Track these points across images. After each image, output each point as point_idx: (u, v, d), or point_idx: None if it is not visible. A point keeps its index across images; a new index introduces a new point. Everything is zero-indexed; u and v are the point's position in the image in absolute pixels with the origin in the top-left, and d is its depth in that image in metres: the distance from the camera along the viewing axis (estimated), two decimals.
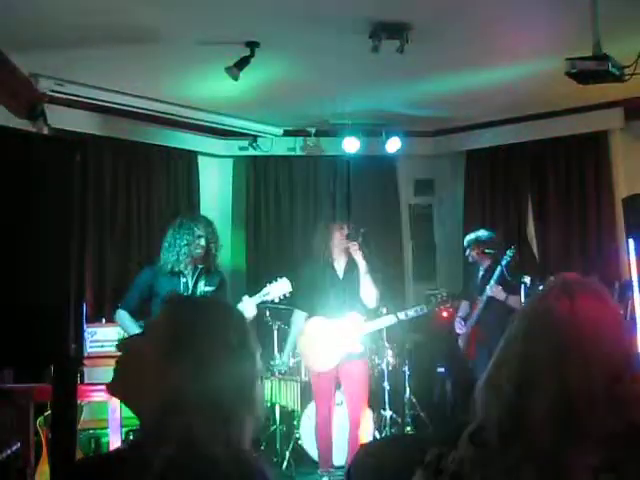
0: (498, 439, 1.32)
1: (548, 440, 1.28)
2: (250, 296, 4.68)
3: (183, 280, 4.67)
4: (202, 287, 4.69)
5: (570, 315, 1.35)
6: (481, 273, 5.86)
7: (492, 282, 5.63)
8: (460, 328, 5.92)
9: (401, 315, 5.04)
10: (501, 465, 1.30)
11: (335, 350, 5.00)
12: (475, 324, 5.77)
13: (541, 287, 1.50)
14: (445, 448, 1.41)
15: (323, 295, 5.06)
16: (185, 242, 4.63)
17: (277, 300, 4.82)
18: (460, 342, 5.93)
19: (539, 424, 1.29)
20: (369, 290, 4.96)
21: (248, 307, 4.53)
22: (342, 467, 5.17)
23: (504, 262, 5.57)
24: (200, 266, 4.70)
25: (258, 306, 4.72)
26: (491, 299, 5.64)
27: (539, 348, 1.34)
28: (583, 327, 1.34)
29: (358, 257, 4.96)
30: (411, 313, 5.06)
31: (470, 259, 5.96)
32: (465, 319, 5.92)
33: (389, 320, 5.10)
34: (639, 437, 1.28)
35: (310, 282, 5.12)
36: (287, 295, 4.73)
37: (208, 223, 4.79)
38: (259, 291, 4.72)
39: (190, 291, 4.67)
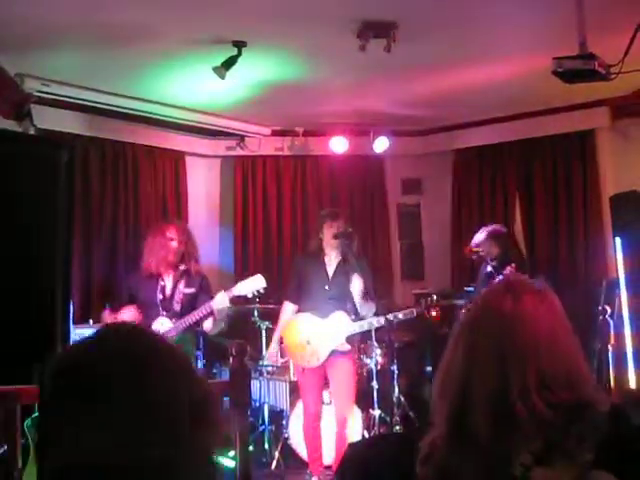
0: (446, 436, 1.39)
1: (487, 433, 1.32)
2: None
3: (161, 283, 4.77)
4: (181, 288, 4.78)
5: (512, 312, 1.40)
6: (489, 269, 5.86)
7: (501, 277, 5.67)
8: None
9: (390, 317, 5.04)
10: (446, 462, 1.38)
11: (320, 348, 5.00)
12: None
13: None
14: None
15: (311, 291, 5.06)
16: (159, 246, 4.75)
17: (250, 296, 4.88)
18: None
19: (480, 417, 1.34)
20: (364, 306, 5.00)
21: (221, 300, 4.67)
22: (331, 466, 5.16)
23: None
24: (181, 268, 4.82)
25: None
26: None
27: (482, 342, 1.39)
28: (524, 324, 1.39)
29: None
30: (400, 316, 5.07)
31: (483, 253, 5.90)
32: None
33: (377, 322, 5.09)
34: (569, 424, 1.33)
35: (301, 275, 5.13)
36: (261, 291, 4.81)
37: (181, 226, 4.96)
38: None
39: (169, 292, 4.75)
